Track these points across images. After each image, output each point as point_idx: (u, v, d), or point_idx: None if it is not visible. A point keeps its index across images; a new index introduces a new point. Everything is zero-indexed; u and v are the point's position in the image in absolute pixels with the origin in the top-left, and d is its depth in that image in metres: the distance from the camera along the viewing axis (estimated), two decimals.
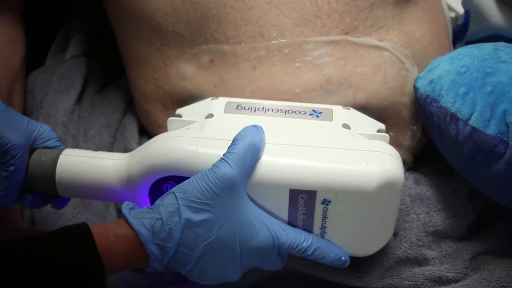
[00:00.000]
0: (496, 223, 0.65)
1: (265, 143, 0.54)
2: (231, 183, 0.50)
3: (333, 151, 0.54)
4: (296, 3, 0.61)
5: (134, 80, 0.71)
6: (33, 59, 0.80)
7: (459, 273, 0.61)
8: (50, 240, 0.47)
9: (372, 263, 0.61)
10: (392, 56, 0.63)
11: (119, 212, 0.71)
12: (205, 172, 0.51)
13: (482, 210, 0.65)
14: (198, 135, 0.55)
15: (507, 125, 0.55)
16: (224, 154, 0.52)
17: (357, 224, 0.55)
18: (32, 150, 0.58)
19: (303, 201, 0.53)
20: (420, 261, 0.62)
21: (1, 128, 0.54)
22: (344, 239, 0.56)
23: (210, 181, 0.50)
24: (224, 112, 0.59)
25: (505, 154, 0.55)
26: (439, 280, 0.61)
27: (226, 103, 0.60)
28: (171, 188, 0.54)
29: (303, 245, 0.54)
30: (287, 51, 0.61)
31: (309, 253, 0.55)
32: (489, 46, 0.62)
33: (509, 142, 0.54)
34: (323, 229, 0.55)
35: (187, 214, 0.50)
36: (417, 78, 0.63)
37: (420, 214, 0.63)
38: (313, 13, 0.61)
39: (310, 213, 0.54)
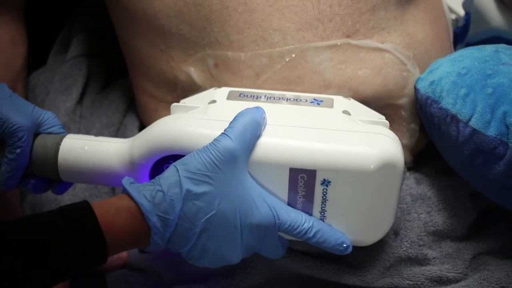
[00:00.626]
0: (496, 224, 0.65)
1: (266, 122, 0.55)
2: (232, 155, 0.50)
3: (333, 132, 0.54)
4: (298, 6, 0.61)
5: (140, 82, 0.71)
6: (35, 59, 0.80)
7: (459, 273, 0.61)
8: (51, 217, 0.47)
9: (373, 262, 0.61)
10: (394, 57, 0.63)
11: None
12: (206, 146, 0.51)
13: (482, 211, 0.65)
14: (200, 117, 0.56)
15: (507, 127, 0.55)
16: (225, 129, 0.52)
17: (357, 208, 0.55)
18: (36, 135, 0.58)
19: (303, 182, 0.53)
20: (421, 261, 0.62)
21: (8, 111, 0.55)
22: (344, 224, 0.56)
23: (211, 153, 0.50)
24: (227, 99, 0.59)
25: (505, 155, 0.55)
26: (440, 280, 0.61)
27: (229, 91, 0.60)
28: None
29: (304, 226, 0.54)
30: (288, 58, 0.62)
31: (310, 235, 0.54)
32: (489, 48, 0.62)
33: (509, 144, 0.54)
34: (322, 213, 0.55)
35: (188, 185, 0.50)
36: (418, 79, 0.63)
37: (421, 213, 0.63)
38: (315, 17, 0.61)
39: (310, 194, 0.54)
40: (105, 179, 0.58)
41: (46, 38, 0.85)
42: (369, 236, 0.57)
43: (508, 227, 0.65)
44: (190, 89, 0.65)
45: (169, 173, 0.51)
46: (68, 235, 0.46)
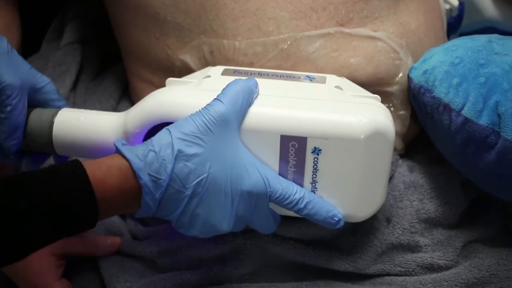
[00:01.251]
0: (487, 213, 0.66)
1: (258, 91, 0.55)
2: (224, 119, 0.51)
3: (325, 102, 0.55)
4: None
5: (136, 69, 0.71)
6: (29, 46, 0.79)
7: (450, 260, 0.62)
8: (40, 173, 0.47)
9: (365, 248, 0.62)
10: (386, 46, 0.63)
11: None
12: (199, 110, 0.51)
13: (473, 200, 0.66)
14: (195, 88, 0.57)
15: (499, 116, 0.55)
16: (217, 95, 0.53)
17: (348, 179, 0.55)
18: (32, 106, 0.58)
19: (294, 150, 0.54)
20: (413, 248, 0.63)
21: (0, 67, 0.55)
22: (336, 196, 0.56)
23: (204, 116, 0.51)
24: (221, 75, 0.60)
25: (497, 144, 0.55)
26: (431, 267, 0.62)
27: (224, 69, 0.61)
28: None
29: (295, 196, 0.54)
30: (283, 47, 0.62)
31: (301, 206, 0.54)
32: (483, 38, 0.63)
33: (501, 133, 0.55)
34: (314, 184, 0.55)
35: (180, 146, 0.50)
36: (411, 68, 0.64)
37: (413, 201, 0.63)
38: (309, 6, 0.62)
39: (301, 164, 0.54)
40: (99, 151, 0.57)
41: (39, 24, 0.85)
42: (361, 210, 0.57)
43: (499, 216, 0.66)
44: (187, 73, 0.65)
45: (162, 135, 0.51)
46: (57, 192, 0.45)
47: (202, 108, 0.52)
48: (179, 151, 0.50)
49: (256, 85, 0.55)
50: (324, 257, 0.62)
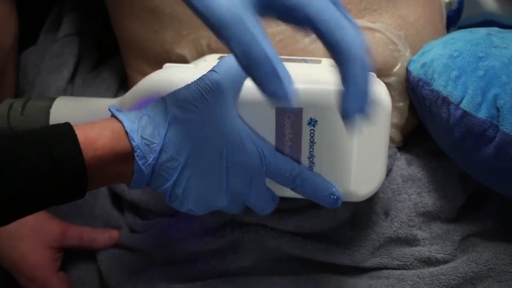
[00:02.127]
0: (485, 206, 0.66)
1: None
2: (218, 87, 0.50)
3: (320, 74, 0.54)
4: None
5: (134, 62, 0.71)
6: (26, 38, 0.79)
7: (448, 254, 0.62)
8: (29, 133, 0.45)
9: (363, 241, 0.62)
10: (384, 37, 0.63)
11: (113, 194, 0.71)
12: (194, 80, 0.51)
13: (471, 193, 0.66)
14: (192, 69, 0.57)
15: (497, 109, 0.55)
16: (212, 67, 0.52)
17: (346, 152, 0.54)
18: (28, 98, 0.58)
19: (290, 123, 0.54)
20: (411, 241, 0.63)
21: None
22: (334, 172, 0.55)
23: (198, 84, 0.50)
24: (218, 59, 0.60)
25: (495, 138, 0.55)
26: (428, 261, 0.62)
27: (221, 55, 0.61)
28: None
29: (291, 172, 0.53)
30: (279, 38, 0.61)
31: (298, 182, 0.53)
32: (482, 31, 0.63)
33: (499, 126, 0.55)
34: (311, 159, 0.55)
35: (174, 111, 0.49)
36: (410, 61, 0.64)
37: (411, 194, 0.63)
38: None
39: (297, 136, 0.54)
40: None
41: (37, 16, 0.85)
42: (360, 187, 0.56)
43: (497, 210, 0.66)
44: None
45: (157, 102, 0.50)
46: (44, 152, 0.44)
47: (197, 79, 0.51)
48: (174, 116, 0.49)
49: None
50: (322, 251, 0.62)
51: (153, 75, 0.57)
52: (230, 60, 0.52)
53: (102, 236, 0.68)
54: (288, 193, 0.55)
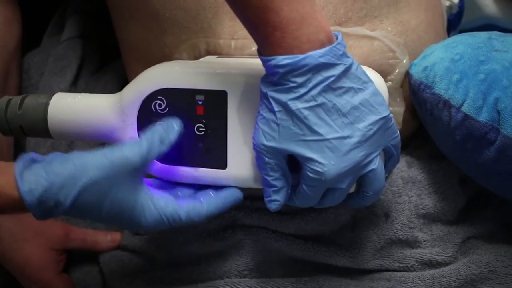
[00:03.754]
0: (486, 209, 0.66)
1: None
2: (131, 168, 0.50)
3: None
4: None
5: (134, 66, 0.71)
6: (29, 40, 0.80)
7: (449, 256, 0.62)
8: None
9: (364, 244, 0.62)
10: (383, 45, 0.63)
11: None
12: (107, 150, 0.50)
13: (472, 196, 0.66)
14: (188, 63, 0.58)
15: (498, 113, 0.55)
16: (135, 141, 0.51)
17: None
18: (27, 94, 0.58)
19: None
20: (412, 243, 0.63)
21: None
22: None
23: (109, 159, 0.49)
24: (216, 58, 0.61)
25: (496, 141, 0.55)
26: (430, 263, 0.62)
27: (218, 56, 0.62)
28: (160, 105, 0.54)
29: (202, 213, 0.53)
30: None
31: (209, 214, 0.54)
32: (483, 35, 0.63)
33: (500, 130, 0.55)
34: None
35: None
36: (411, 64, 0.64)
37: (412, 196, 0.63)
38: None
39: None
40: (96, 132, 0.57)
41: (40, 19, 0.85)
42: None
43: (497, 212, 0.66)
44: None
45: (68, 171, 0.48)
46: None
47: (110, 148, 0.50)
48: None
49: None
50: (323, 253, 0.62)
51: (151, 68, 0.57)
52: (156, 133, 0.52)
53: (104, 238, 0.68)
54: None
